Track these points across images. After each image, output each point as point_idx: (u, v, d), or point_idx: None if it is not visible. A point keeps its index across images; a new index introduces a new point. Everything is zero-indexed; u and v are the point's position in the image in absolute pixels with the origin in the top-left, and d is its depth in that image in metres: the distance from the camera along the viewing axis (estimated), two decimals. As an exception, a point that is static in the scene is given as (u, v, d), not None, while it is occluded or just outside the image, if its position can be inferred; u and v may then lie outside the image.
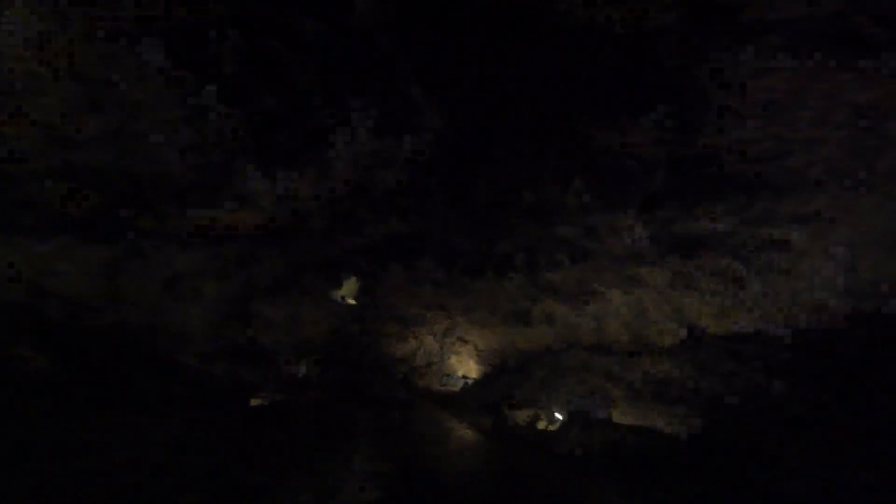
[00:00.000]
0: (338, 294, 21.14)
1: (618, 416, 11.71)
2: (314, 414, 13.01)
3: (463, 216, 12.74)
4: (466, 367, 21.19)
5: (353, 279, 20.35)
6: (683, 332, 13.94)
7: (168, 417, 8.10)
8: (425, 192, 12.32)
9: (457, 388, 19.76)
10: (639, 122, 9.69)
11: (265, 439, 8.72)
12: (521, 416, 13.58)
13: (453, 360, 21.25)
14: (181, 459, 6.92)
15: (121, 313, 10.69)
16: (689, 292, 12.78)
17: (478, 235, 13.81)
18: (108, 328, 10.47)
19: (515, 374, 16.74)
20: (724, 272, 11.60)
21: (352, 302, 21.08)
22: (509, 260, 15.83)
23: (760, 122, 9.02)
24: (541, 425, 12.75)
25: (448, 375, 21.15)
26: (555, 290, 16.38)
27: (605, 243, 12.13)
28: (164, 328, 10.69)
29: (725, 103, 8.34)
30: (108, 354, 9.42)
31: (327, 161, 10.27)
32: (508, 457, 9.11)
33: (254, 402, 14.33)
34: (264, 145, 9.39)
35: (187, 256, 10.48)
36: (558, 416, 12.44)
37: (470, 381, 19.76)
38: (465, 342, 20.40)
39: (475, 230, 13.51)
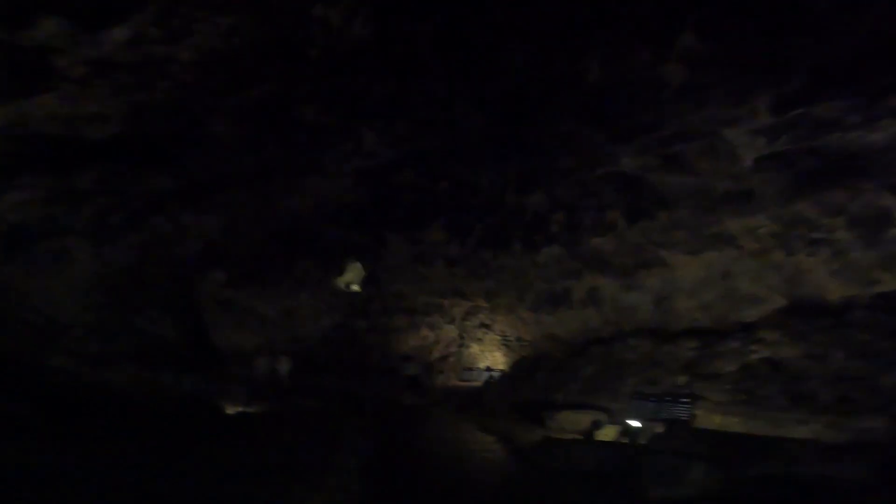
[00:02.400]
0: (341, 281, 18.16)
1: (718, 423, 8.04)
2: (290, 432, 9.60)
3: (481, 112, 6.85)
4: (491, 357, 17.83)
5: (358, 264, 17.29)
6: (785, 303, 10.10)
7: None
8: (412, 62, 6.01)
9: (479, 383, 16.50)
10: None
11: (184, 481, 5.38)
12: (574, 422, 9.98)
13: (474, 349, 17.84)
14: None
15: None
16: (808, 248, 8.93)
17: (504, 163, 8.88)
18: None
19: (556, 371, 13.14)
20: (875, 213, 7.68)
21: (356, 289, 18.05)
22: (542, 224, 12.21)
23: None
24: (604, 435, 9.10)
25: (469, 369, 18.00)
26: (603, 261, 12.72)
27: (698, 175, 8.09)
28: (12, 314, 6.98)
29: None
30: None
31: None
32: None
33: (229, 410, 11.18)
34: None
35: (15, 195, 6.04)
36: (635, 423, 8.80)
37: (496, 375, 16.49)
38: (489, 328, 16.90)
39: (502, 152, 8.27)
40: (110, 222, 7.33)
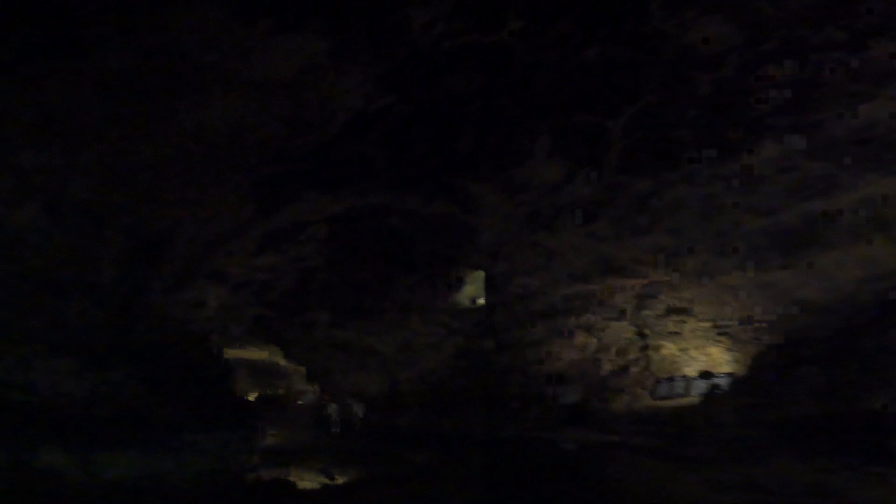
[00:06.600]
0: (463, 297, 14.77)
1: None
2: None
3: None
4: (703, 357, 11.29)
5: (479, 272, 13.66)
6: None
7: None
8: None
9: (693, 398, 11.08)
10: None
11: None
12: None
13: (670, 349, 11.56)
14: None
15: None
16: None
17: None
18: None
19: (846, 358, 6.86)
20: None
21: (482, 302, 14.47)
22: (738, 93, 6.44)
23: None
24: None
25: (668, 380, 11.99)
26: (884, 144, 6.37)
27: None
28: None
29: None
30: None
31: None
32: None
33: (305, 484, 7.94)
34: None
35: None
36: None
37: (723, 383, 10.81)
38: (685, 312, 10.66)
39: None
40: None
